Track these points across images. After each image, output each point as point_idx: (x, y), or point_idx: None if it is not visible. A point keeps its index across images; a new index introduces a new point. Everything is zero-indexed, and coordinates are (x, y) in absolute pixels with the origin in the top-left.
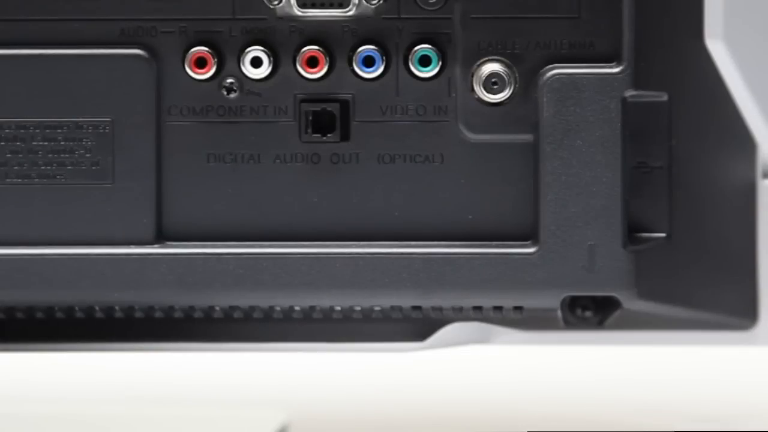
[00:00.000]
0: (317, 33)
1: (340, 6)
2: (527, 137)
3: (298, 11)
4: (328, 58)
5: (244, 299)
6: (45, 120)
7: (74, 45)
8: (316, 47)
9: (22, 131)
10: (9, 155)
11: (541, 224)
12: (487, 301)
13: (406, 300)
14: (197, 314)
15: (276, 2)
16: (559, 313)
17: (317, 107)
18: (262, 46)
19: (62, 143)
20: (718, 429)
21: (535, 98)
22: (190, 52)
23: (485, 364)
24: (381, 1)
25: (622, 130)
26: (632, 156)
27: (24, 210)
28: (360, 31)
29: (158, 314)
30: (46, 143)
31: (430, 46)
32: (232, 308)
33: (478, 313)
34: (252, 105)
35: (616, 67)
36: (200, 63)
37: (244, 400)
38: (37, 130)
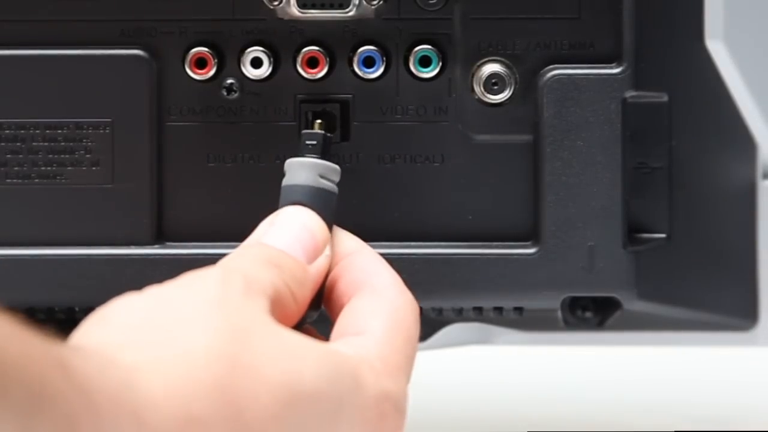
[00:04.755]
0: (317, 34)
1: (341, 7)
2: (527, 137)
3: (298, 12)
4: (328, 59)
5: None
6: (45, 120)
7: (74, 45)
8: (316, 48)
9: (23, 131)
10: (9, 155)
11: (541, 225)
12: (488, 302)
13: None
14: None
15: (276, 3)
16: (560, 314)
17: (317, 107)
18: (263, 47)
19: (62, 144)
20: (718, 429)
21: (535, 99)
22: (190, 52)
23: (485, 365)
24: (381, 2)
25: (622, 131)
26: (632, 156)
27: (24, 210)
28: (360, 31)
29: None
30: (46, 144)
31: (430, 47)
32: None
33: (478, 314)
34: (252, 105)
35: (617, 67)
36: (200, 63)
37: None
38: (38, 131)
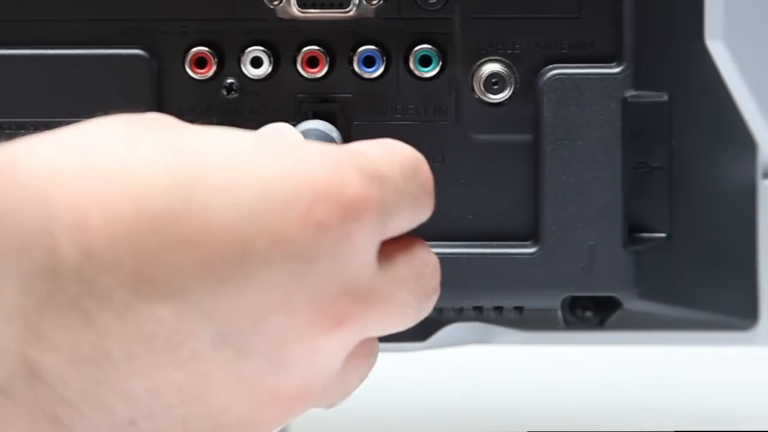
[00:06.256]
0: (317, 33)
1: (341, 6)
2: (527, 137)
3: (298, 11)
4: (328, 59)
5: None
6: (45, 120)
7: (74, 45)
8: (316, 47)
9: (23, 131)
10: None
11: (541, 224)
12: (488, 302)
13: None
14: None
15: (276, 2)
16: (560, 313)
17: (318, 107)
18: (263, 46)
19: None
20: (718, 429)
21: (535, 98)
22: (190, 52)
23: (485, 364)
24: (381, 2)
25: (622, 130)
26: (632, 156)
27: None
28: (360, 31)
29: None
30: None
31: (430, 46)
32: None
33: (478, 314)
34: (252, 105)
35: (617, 67)
36: (200, 63)
37: None
38: (38, 131)
